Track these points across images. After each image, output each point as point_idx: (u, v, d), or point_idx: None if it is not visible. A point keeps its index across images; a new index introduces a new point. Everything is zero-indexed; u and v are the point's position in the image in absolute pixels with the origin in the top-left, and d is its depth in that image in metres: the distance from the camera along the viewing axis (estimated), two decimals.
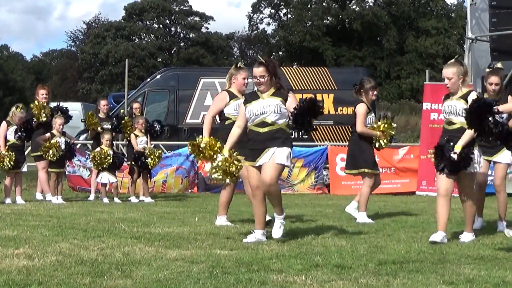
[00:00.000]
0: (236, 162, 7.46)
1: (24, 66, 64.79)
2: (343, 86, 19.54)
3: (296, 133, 17.16)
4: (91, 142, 15.10)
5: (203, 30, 60.49)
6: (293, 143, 8.36)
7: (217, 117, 9.23)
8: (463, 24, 36.36)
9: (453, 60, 7.78)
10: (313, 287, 5.10)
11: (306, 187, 16.80)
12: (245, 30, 60.59)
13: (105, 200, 13.38)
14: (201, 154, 8.24)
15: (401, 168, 16.70)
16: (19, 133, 12.65)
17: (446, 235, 7.45)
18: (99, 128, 13.98)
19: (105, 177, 13.58)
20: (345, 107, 19.31)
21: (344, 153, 15.53)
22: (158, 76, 21.19)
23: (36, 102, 13.24)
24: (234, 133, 7.66)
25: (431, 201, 13.35)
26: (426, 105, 16.51)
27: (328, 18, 52.50)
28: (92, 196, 14.16)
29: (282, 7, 56.13)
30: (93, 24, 60.55)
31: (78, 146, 17.24)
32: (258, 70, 7.50)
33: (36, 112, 13.07)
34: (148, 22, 59.74)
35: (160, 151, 14.33)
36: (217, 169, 7.47)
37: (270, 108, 7.41)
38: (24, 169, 13.01)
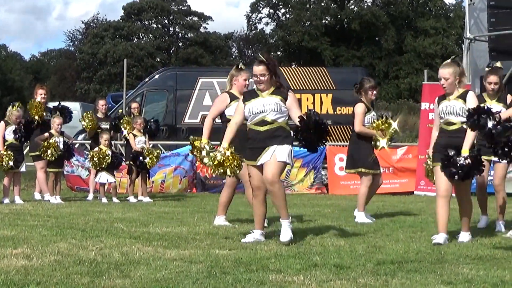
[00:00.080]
0: (236, 157, 7.33)
1: (22, 65, 64.72)
2: (341, 86, 19.55)
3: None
4: (90, 142, 15.10)
5: (202, 30, 60.48)
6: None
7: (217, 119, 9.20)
8: (462, 24, 36.35)
9: (449, 61, 7.76)
10: (312, 287, 5.10)
11: (305, 187, 16.81)
12: (243, 30, 60.65)
13: (104, 200, 13.38)
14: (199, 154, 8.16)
15: (399, 168, 16.71)
16: (19, 135, 12.63)
17: (447, 237, 7.44)
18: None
19: (104, 177, 13.58)
20: (344, 107, 19.32)
21: (342, 153, 15.57)
22: (156, 76, 21.19)
23: (33, 102, 13.20)
24: (232, 129, 7.58)
25: (429, 201, 13.37)
26: (424, 105, 16.51)
27: (327, 18, 52.48)
28: (90, 196, 14.16)
29: (281, 7, 56.09)
30: (91, 24, 60.51)
31: (76, 146, 17.24)
32: (259, 69, 7.48)
33: (34, 111, 13.06)
34: (146, 22, 59.71)
35: (158, 151, 14.33)
36: (217, 163, 7.32)
37: (269, 107, 7.38)
38: (23, 169, 13.00)
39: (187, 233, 8.07)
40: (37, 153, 13.05)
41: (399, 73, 50.59)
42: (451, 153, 7.31)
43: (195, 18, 60.74)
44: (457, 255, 6.56)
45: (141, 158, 13.68)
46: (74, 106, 28.68)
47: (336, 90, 19.69)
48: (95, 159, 13.40)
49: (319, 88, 19.68)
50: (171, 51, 60.07)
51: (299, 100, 16.52)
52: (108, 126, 14.15)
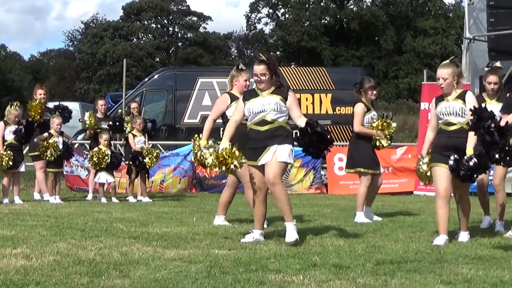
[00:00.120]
0: (236, 153, 7.24)
1: (21, 65, 64.67)
2: (341, 86, 19.55)
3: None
4: (89, 142, 15.10)
5: (201, 30, 60.49)
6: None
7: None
8: (461, 24, 36.35)
9: (448, 61, 7.76)
10: (311, 287, 5.10)
11: (304, 187, 16.81)
12: (242, 30, 60.65)
13: (103, 200, 13.38)
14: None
15: (399, 168, 16.71)
16: (19, 136, 12.62)
17: (448, 239, 7.43)
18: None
19: (103, 177, 13.58)
20: (343, 107, 19.32)
21: (341, 153, 15.57)
22: (156, 76, 21.18)
23: (33, 102, 13.20)
24: (231, 126, 7.53)
25: (428, 200, 13.37)
26: (424, 105, 16.52)
27: (326, 18, 52.50)
28: (90, 196, 14.17)
29: (280, 7, 56.13)
30: (91, 24, 60.51)
31: (76, 146, 17.23)
32: (259, 68, 7.45)
33: (34, 112, 13.06)
34: (146, 22, 59.70)
35: (158, 151, 14.34)
36: (217, 158, 7.21)
37: (269, 106, 7.35)
38: (22, 169, 12.99)
39: (187, 233, 8.07)
40: (37, 153, 13.05)
41: (399, 73, 50.62)
42: (456, 156, 7.29)
43: (195, 18, 60.74)
44: (457, 255, 6.56)
45: (140, 158, 13.69)
46: (74, 106, 28.65)
47: (336, 90, 19.69)
48: (94, 159, 13.40)
49: (319, 88, 19.68)
50: (170, 51, 60.07)
51: (299, 100, 16.51)
52: (107, 126, 14.15)
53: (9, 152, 12.51)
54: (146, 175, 14.28)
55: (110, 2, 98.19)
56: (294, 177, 16.75)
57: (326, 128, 7.32)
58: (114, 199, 13.53)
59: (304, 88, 19.46)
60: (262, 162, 7.34)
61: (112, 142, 14.56)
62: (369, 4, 53.15)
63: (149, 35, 59.60)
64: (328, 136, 7.27)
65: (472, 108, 6.70)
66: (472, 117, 6.67)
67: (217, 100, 9.35)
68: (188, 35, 60.06)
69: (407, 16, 52.63)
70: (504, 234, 8.14)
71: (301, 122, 7.39)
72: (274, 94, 7.44)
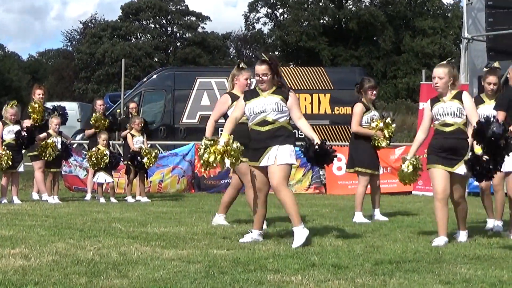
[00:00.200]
0: (236, 147, 7.15)
1: (20, 65, 64.66)
2: (339, 86, 19.57)
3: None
4: (88, 142, 15.10)
5: (200, 30, 60.49)
6: None
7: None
8: (460, 24, 36.35)
9: (445, 62, 7.79)
10: (310, 287, 5.10)
11: (303, 188, 16.81)
12: (241, 30, 60.64)
13: (102, 200, 13.37)
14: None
15: (397, 168, 16.50)
16: (21, 141, 12.61)
17: (447, 240, 7.43)
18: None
19: (102, 177, 13.57)
20: (342, 107, 19.33)
21: (340, 153, 15.56)
22: (154, 76, 21.18)
23: (35, 104, 13.21)
24: (231, 122, 7.50)
25: (427, 200, 13.38)
26: (422, 105, 16.49)
27: (325, 18, 52.50)
28: (88, 196, 14.16)
29: (279, 6, 56.12)
30: (89, 24, 60.49)
31: (74, 146, 17.23)
32: (261, 68, 7.41)
33: (36, 116, 13.10)
34: (144, 22, 59.70)
35: (156, 151, 14.32)
36: (217, 153, 7.10)
37: (270, 106, 7.32)
38: (21, 169, 12.99)
39: (185, 233, 8.07)
40: (35, 153, 13.04)
41: (397, 73, 50.62)
42: (470, 155, 7.31)
43: (193, 18, 60.75)
44: (455, 255, 6.56)
45: (139, 158, 13.68)
46: (72, 106, 28.74)
47: (334, 90, 19.70)
48: (93, 159, 13.40)
49: (317, 88, 19.69)
50: (169, 51, 60.07)
51: None
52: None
53: (8, 152, 12.50)
54: (145, 175, 14.28)
55: (108, 2, 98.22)
56: (293, 177, 16.71)
57: (331, 149, 7.37)
58: (112, 199, 13.52)
59: (302, 88, 19.46)
60: (263, 164, 7.30)
61: (110, 142, 14.54)
62: (367, 4, 53.17)
63: (148, 35, 59.60)
64: (333, 154, 7.36)
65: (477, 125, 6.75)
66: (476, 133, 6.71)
67: (218, 101, 9.32)
68: (187, 35, 60.07)
69: (406, 16, 52.64)
70: (504, 234, 8.15)
71: (301, 124, 7.37)
72: (275, 94, 7.41)
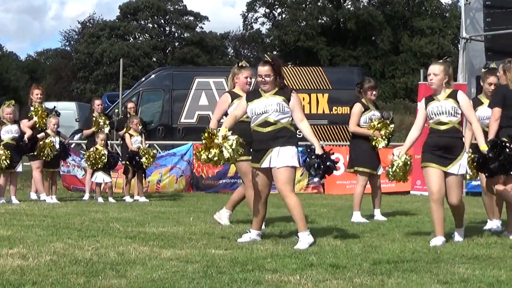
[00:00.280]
0: (235, 139, 7.08)
1: (18, 65, 64.60)
2: (337, 85, 19.59)
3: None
4: (86, 141, 15.10)
5: (198, 29, 60.45)
6: None
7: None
8: (458, 24, 36.41)
9: (441, 60, 7.80)
10: (308, 287, 5.10)
11: (301, 187, 16.80)
12: (239, 30, 60.61)
13: (100, 199, 13.37)
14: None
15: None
16: (23, 147, 12.61)
17: (445, 240, 7.43)
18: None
19: (100, 176, 13.57)
20: (340, 107, 19.34)
21: (338, 153, 15.57)
22: (152, 76, 21.20)
23: (37, 107, 13.21)
24: (231, 118, 7.48)
25: (425, 200, 13.36)
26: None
27: (323, 17, 52.50)
28: (86, 196, 14.15)
29: (277, 6, 56.10)
30: (87, 24, 60.44)
31: (72, 146, 17.22)
32: (264, 69, 7.37)
33: (39, 119, 13.11)
34: (142, 22, 59.65)
35: (154, 151, 14.32)
36: (215, 147, 7.03)
37: (272, 107, 7.27)
38: (19, 169, 12.97)
39: (183, 233, 8.06)
40: (33, 153, 13.02)
41: (395, 73, 50.63)
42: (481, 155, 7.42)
43: (191, 18, 60.69)
44: (453, 254, 6.57)
45: (137, 158, 13.68)
46: (70, 106, 28.77)
47: (332, 90, 19.72)
48: (91, 159, 13.39)
49: (315, 88, 19.70)
50: (167, 51, 60.02)
51: None
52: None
53: (6, 152, 12.49)
54: (143, 175, 14.27)
55: (107, 2, 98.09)
56: None
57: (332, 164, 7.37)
58: (110, 199, 13.52)
59: (301, 88, 19.47)
60: (265, 165, 7.27)
61: (108, 142, 14.54)
62: (365, 4, 53.16)
63: (146, 35, 59.56)
64: (335, 165, 7.37)
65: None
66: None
67: (219, 101, 9.30)
68: (185, 35, 60.03)
69: (404, 16, 52.66)
70: (502, 233, 8.15)
71: (302, 126, 7.34)
72: (277, 95, 7.35)
